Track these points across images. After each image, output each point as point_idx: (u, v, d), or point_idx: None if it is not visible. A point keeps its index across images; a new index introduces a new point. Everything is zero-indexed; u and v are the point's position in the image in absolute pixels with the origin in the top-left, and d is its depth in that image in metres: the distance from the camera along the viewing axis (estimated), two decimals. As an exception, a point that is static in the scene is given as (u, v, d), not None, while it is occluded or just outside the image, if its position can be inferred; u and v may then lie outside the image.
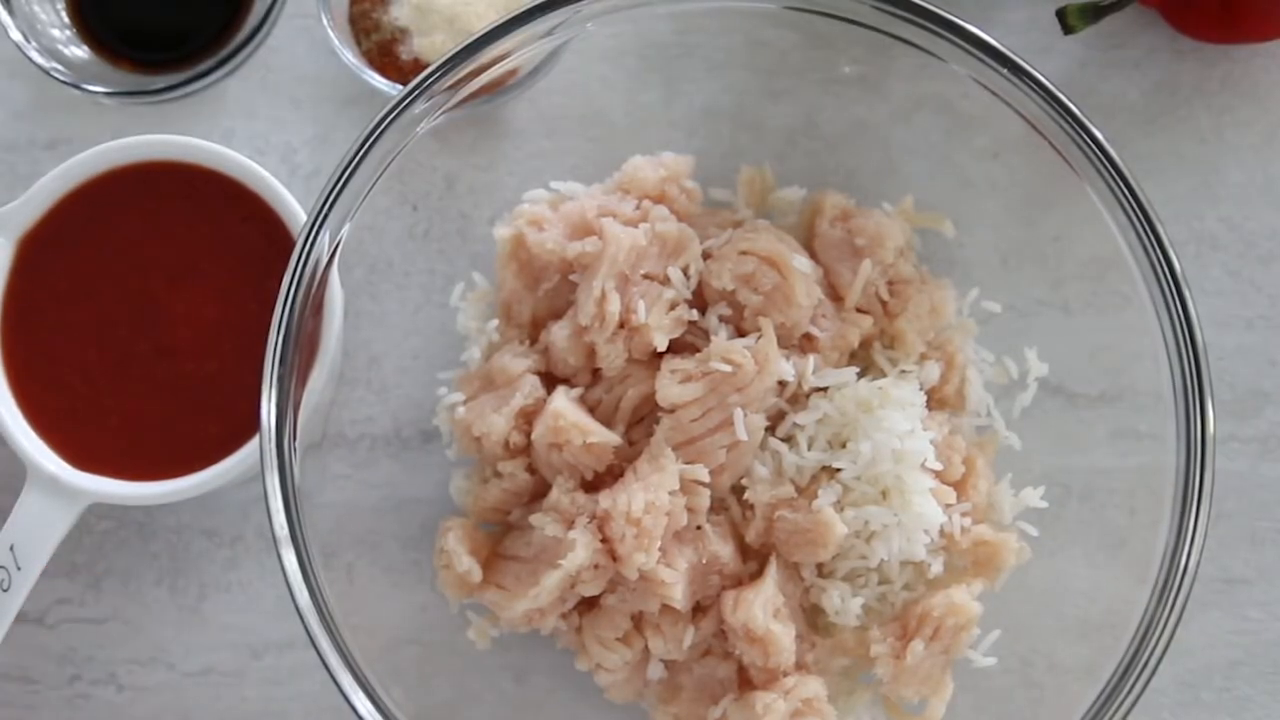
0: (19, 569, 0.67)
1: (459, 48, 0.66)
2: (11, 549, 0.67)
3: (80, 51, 0.77)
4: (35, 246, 0.70)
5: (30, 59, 0.74)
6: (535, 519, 0.69)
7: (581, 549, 0.66)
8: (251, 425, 0.64)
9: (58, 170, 0.70)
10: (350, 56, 0.75)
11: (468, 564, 0.69)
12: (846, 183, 0.75)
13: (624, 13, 0.69)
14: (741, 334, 0.70)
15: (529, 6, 0.66)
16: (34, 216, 0.70)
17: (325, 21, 0.75)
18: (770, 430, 0.70)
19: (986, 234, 0.75)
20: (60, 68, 0.75)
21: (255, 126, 0.79)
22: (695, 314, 0.71)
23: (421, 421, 0.76)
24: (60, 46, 0.77)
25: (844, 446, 0.69)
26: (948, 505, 0.70)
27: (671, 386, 0.68)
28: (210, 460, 0.69)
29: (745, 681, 0.70)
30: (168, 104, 0.76)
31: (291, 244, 0.65)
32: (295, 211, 0.69)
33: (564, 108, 0.78)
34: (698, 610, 0.70)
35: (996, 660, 0.71)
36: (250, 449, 0.68)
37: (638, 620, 0.70)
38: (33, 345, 0.70)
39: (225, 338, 0.70)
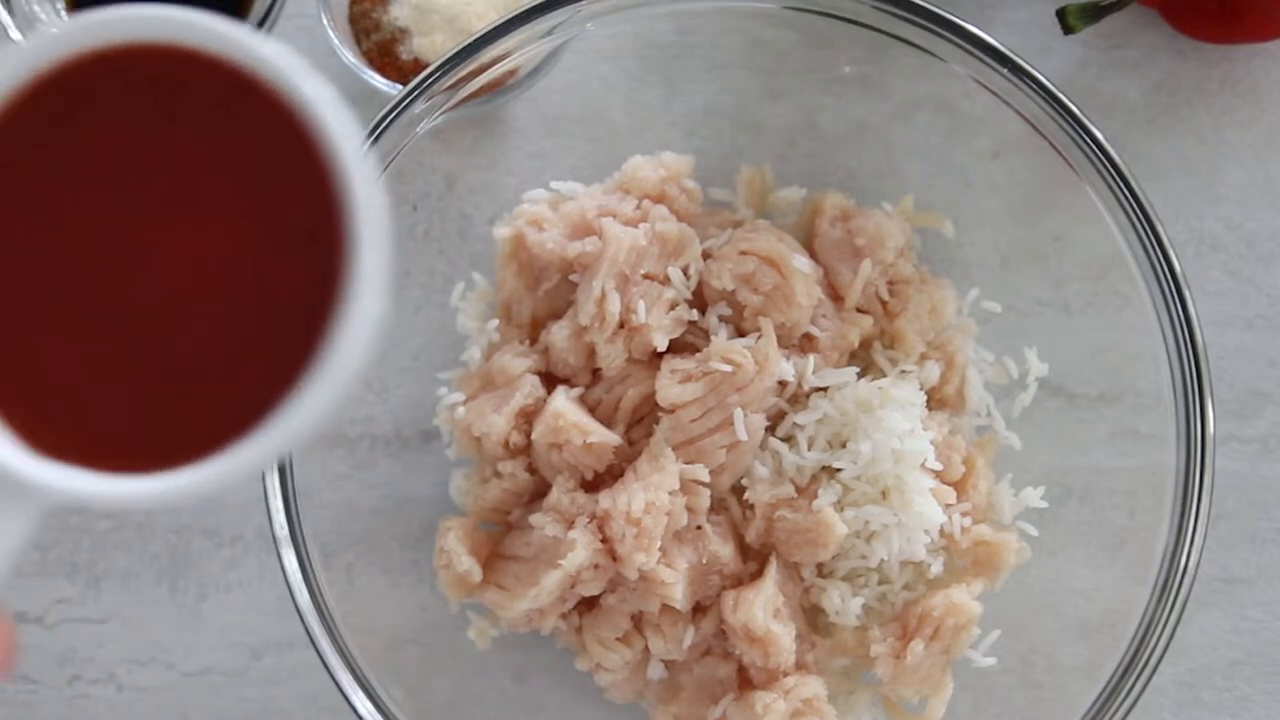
0: None
1: (459, 48, 0.66)
2: None
3: (80, 51, 0.77)
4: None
5: (30, 59, 0.74)
6: (535, 519, 0.69)
7: (581, 549, 0.66)
8: (257, 407, 0.47)
9: (12, 53, 0.47)
10: (350, 56, 0.75)
11: (468, 564, 0.69)
12: (846, 183, 0.75)
13: (624, 13, 0.69)
14: (741, 334, 0.70)
15: (529, 6, 0.66)
16: None
17: (325, 21, 0.75)
18: (770, 430, 0.70)
19: (986, 234, 0.75)
20: (60, 68, 0.75)
21: (255, 126, 0.79)
22: (695, 314, 0.71)
23: (421, 421, 0.76)
24: (60, 46, 0.77)
25: (844, 446, 0.69)
26: (948, 505, 0.70)
27: (671, 386, 0.68)
28: (201, 452, 0.48)
29: (745, 681, 0.70)
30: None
31: (320, 160, 0.47)
32: (327, 117, 0.48)
33: (564, 108, 0.78)
34: (698, 610, 0.70)
35: (996, 660, 0.71)
36: (257, 443, 0.48)
37: (638, 620, 0.70)
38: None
39: (224, 287, 0.49)
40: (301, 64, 0.46)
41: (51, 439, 0.47)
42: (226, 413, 0.48)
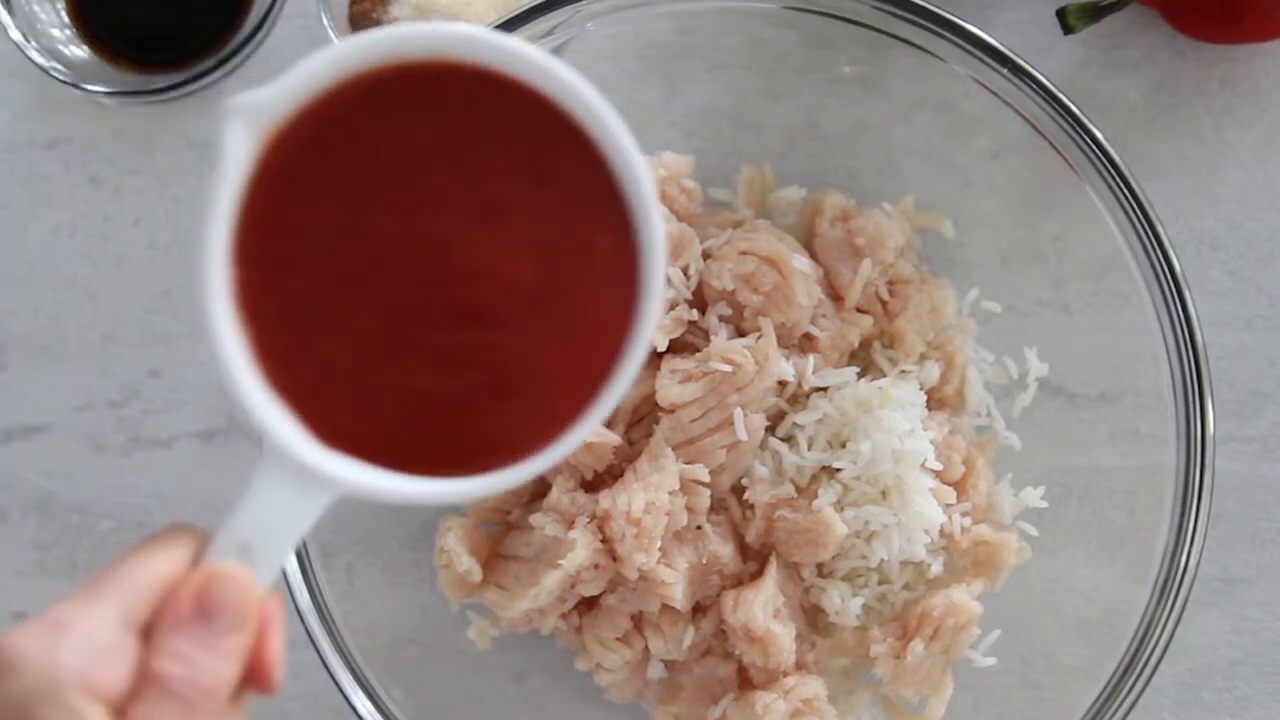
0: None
1: (459, 48, 0.66)
2: (246, 550, 0.49)
3: (80, 51, 0.77)
4: (289, 151, 0.47)
5: (30, 58, 0.74)
6: (535, 519, 0.69)
7: (581, 549, 0.66)
8: (565, 419, 0.48)
9: (325, 54, 0.46)
10: (350, 56, 0.75)
11: (468, 564, 0.69)
12: (846, 183, 0.75)
13: (624, 13, 0.69)
14: (741, 334, 0.70)
15: (529, 6, 0.66)
16: (290, 107, 0.46)
17: (325, 21, 0.75)
18: (770, 430, 0.70)
19: (986, 234, 0.75)
20: (60, 67, 0.75)
21: (255, 126, 0.79)
22: (695, 314, 0.71)
23: (421, 421, 0.76)
24: (60, 46, 0.77)
25: (844, 446, 0.69)
26: (948, 505, 0.70)
27: (671, 386, 0.68)
28: (507, 458, 0.49)
29: (745, 681, 0.70)
30: (168, 103, 0.76)
31: (618, 187, 0.48)
32: (629, 150, 0.49)
33: (564, 108, 0.78)
34: (698, 610, 0.70)
35: (996, 660, 0.71)
36: (561, 448, 0.48)
37: (638, 620, 0.70)
38: (278, 287, 0.48)
39: (535, 303, 0.49)
40: (603, 100, 0.49)
41: (345, 435, 0.48)
42: (522, 423, 0.49)
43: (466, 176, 0.48)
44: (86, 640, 0.41)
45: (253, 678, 0.45)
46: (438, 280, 0.48)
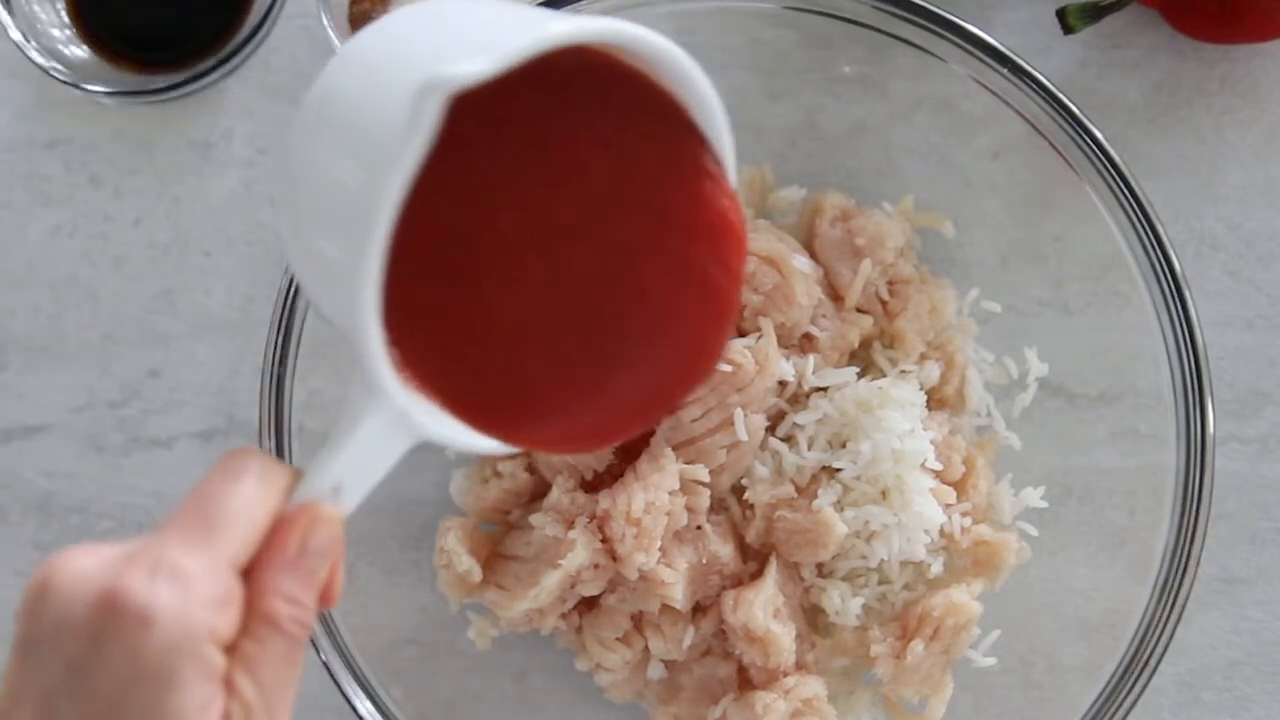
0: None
1: (459, 48, 0.66)
2: (337, 491, 0.50)
3: (80, 51, 0.77)
4: (475, 122, 0.46)
5: (30, 58, 0.74)
6: (535, 519, 0.69)
7: (581, 549, 0.66)
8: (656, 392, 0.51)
9: (530, 36, 0.45)
10: (350, 56, 0.75)
11: (468, 564, 0.69)
12: (846, 183, 0.75)
13: (624, 13, 0.69)
14: (741, 334, 0.70)
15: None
16: (487, 75, 0.44)
17: (325, 21, 0.75)
18: (770, 430, 0.70)
19: (986, 234, 0.75)
20: (60, 67, 0.75)
21: (255, 126, 0.79)
22: (695, 314, 0.71)
23: (421, 421, 0.76)
24: (60, 46, 0.77)
25: (844, 446, 0.69)
26: (948, 505, 0.70)
27: (671, 386, 0.68)
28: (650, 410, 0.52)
29: (745, 681, 0.70)
30: (168, 103, 0.76)
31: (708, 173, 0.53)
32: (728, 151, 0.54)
33: (564, 108, 0.78)
34: (698, 610, 0.70)
35: (996, 660, 0.71)
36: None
37: (638, 620, 0.70)
38: (436, 256, 0.48)
39: (650, 286, 0.50)
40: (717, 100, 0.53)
41: (457, 390, 0.49)
42: (631, 392, 0.50)
43: (610, 164, 0.50)
44: (210, 590, 0.42)
45: (323, 599, 0.47)
46: (566, 259, 0.49)
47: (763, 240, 0.70)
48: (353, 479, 0.49)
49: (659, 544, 0.66)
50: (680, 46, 0.52)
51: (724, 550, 0.69)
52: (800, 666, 0.70)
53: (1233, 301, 0.78)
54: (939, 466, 0.70)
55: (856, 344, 0.72)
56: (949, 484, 0.71)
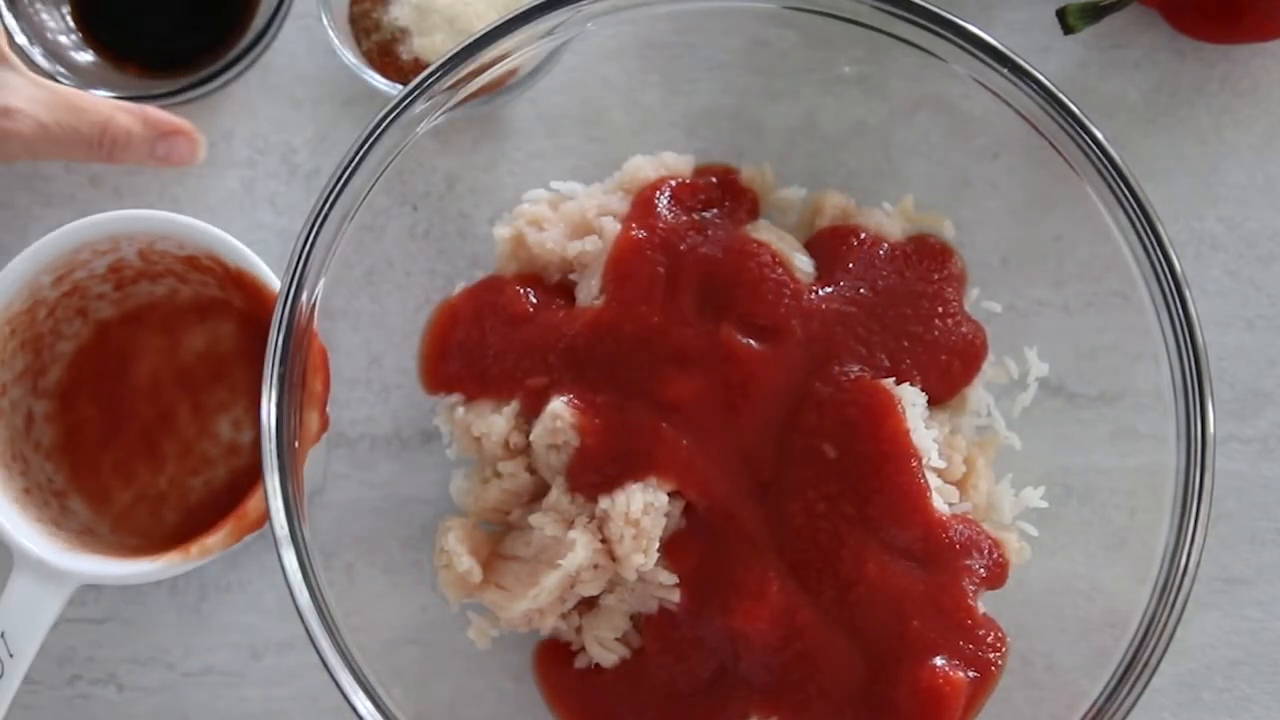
0: (11, 656, 0.66)
1: (459, 48, 0.66)
2: (2, 636, 0.66)
3: (85, 56, 0.78)
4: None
5: (35, 63, 0.74)
6: (535, 519, 0.69)
7: (581, 549, 0.66)
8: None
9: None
10: (350, 56, 0.75)
11: (468, 564, 0.69)
12: (846, 183, 0.75)
13: (624, 13, 0.69)
14: (741, 334, 0.70)
15: (529, 6, 0.66)
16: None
17: (325, 21, 0.75)
18: (770, 430, 0.70)
19: (986, 234, 0.75)
20: (65, 72, 0.75)
21: (255, 126, 0.79)
22: (695, 314, 0.71)
23: (421, 421, 0.76)
24: (65, 51, 0.77)
25: (844, 446, 0.69)
26: (948, 505, 0.70)
27: (671, 386, 0.68)
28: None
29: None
30: (171, 108, 0.76)
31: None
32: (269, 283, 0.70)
33: (564, 108, 0.78)
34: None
35: (996, 660, 0.71)
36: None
37: (637, 620, 0.70)
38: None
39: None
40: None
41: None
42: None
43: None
44: None
45: None
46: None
47: (763, 239, 0.70)
48: (18, 626, 0.66)
49: (657, 545, 0.66)
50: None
51: (724, 550, 0.69)
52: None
53: (1233, 301, 0.78)
54: (942, 464, 0.70)
55: (856, 344, 0.72)
56: (950, 483, 0.70)
